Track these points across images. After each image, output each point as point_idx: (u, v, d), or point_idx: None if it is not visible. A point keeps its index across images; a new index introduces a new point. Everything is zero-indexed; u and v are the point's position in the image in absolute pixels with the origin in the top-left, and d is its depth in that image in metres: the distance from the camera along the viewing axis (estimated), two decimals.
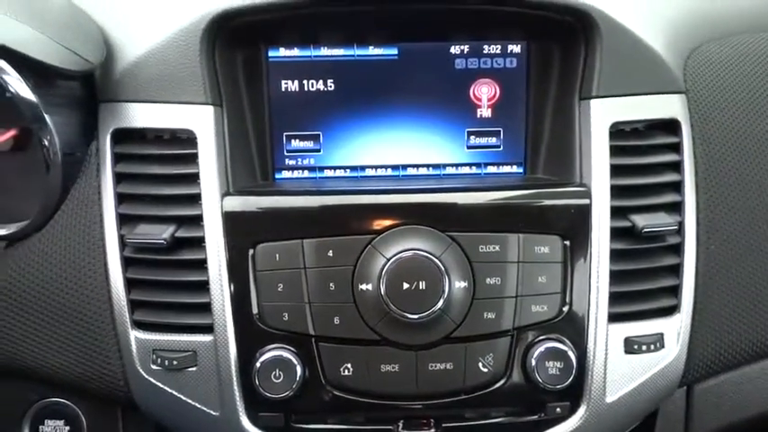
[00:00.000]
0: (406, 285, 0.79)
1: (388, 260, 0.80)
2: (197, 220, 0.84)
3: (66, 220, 0.86)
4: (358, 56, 0.94)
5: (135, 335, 0.84)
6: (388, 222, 0.82)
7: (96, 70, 0.87)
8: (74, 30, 0.85)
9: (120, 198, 0.86)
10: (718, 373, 0.92)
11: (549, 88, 0.94)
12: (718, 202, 0.88)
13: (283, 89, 0.94)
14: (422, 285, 0.79)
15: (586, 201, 0.84)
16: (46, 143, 0.82)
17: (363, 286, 0.81)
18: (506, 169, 0.97)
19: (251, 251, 0.82)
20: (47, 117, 0.81)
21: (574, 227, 0.83)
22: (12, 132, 0.88)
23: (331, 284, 0.81)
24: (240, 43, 0.89)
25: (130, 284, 0.85)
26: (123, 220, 0.85)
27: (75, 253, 0.85)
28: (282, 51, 0.93)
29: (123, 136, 0.88)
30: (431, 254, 0.80)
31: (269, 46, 0.93)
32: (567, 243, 0.84)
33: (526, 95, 0.95)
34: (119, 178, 0.87)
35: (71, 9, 0.88)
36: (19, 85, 0.78)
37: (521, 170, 0.97)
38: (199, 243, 0.83)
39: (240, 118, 0.90)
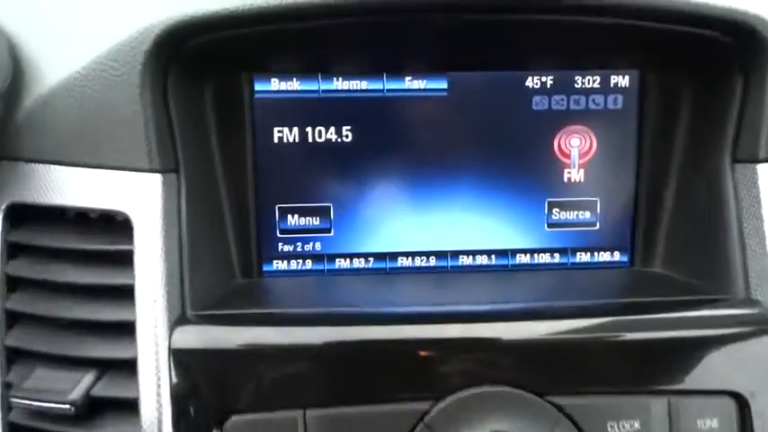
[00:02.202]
0: None
1: None
2: (128, 367, 0.51)
3: None
4: (388, 91, 0.62)
5: None
6: (450, 379, 0.50)
7: None
8: None
9: (10, 320, 0.54)
10: None
11: (676, 142, 0.62)
12: None
13: (276, 140, 0.62)
14: None
15: (767, 328, 0.52)
16: None
17: None
18: (604, 257, 0.66)
19: None
20: None
21: (755, 378, 0.51)
22: None
23: None
24: (208, 72, 0.58)
25: None
26: (11, 357, 0.53)
27: None
28: (275, 84, 0.62)
29: (22, 215, 0.56)
30: None
31: (254, 75, 0.61)
32: (749, 409, 0.51)
33: (637, 151, 0.64)
34: (10, 285, 0.54)
35: None
36: None
37: (625, 258, 0.66)
38: (130, 408, 0.50)
39: (208, 187, 0.58)
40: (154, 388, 0.49)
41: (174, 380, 0.49)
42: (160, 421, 0.49)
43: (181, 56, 0.53)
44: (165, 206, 0.52)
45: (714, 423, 0.50)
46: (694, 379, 0.51)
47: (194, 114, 0.57)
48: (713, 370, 0.51)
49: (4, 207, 0.55)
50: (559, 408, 0.50)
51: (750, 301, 0.54)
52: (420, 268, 0.65)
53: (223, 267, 0.59)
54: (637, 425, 0.49)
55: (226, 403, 0.49)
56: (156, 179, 0.53)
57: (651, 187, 0.64)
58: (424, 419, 0.49)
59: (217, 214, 0.60)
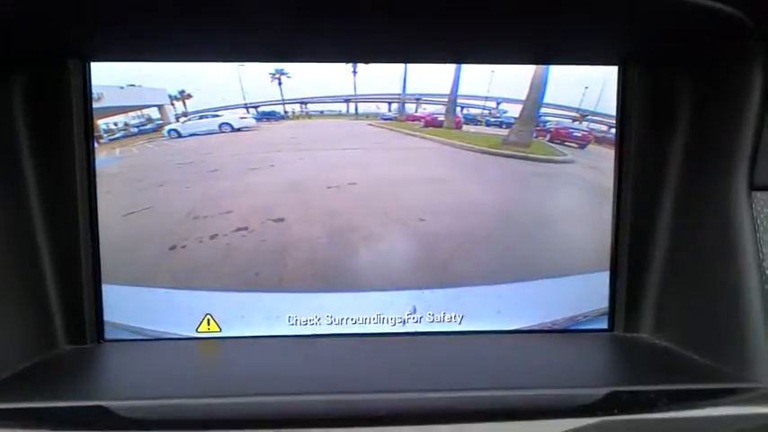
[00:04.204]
0: None
1: None
2: None
3: None
4: None
5: None
6: None
7: None
8: None
9: None
10: None
11: (670, 161, 0.46)
12: None
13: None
14: None
15: None
16: None
17: None
18: (588, 340, 0.48)
19: None
20: None
21: None
22: None
23: None
24: (20, 59, 0.41)
25: None
26: None
27: None
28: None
29: None
30: None
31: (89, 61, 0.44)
32: None
33: (617, 173, 0.48)
34: None
35: None
36: None
37: (603, 325, 0.48)
38: None
39: (14, 215, 0.41)
40: None
41: None
42: None
43: None
44: None
45: None
46: None
47: None
48: None
49: None
50: None
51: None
52: (331, 338, 0.47)
53: (33, 331, 0.41)
54: None
55: None
56: None
57: (636, 226, 0.47)
58: None
59: (28, 256, 0.42)
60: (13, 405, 0.36)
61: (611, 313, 0.49)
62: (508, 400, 0.37)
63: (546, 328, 0.49)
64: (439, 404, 0.37)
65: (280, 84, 0.46)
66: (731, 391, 0.37)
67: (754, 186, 0.42)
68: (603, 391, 0.38)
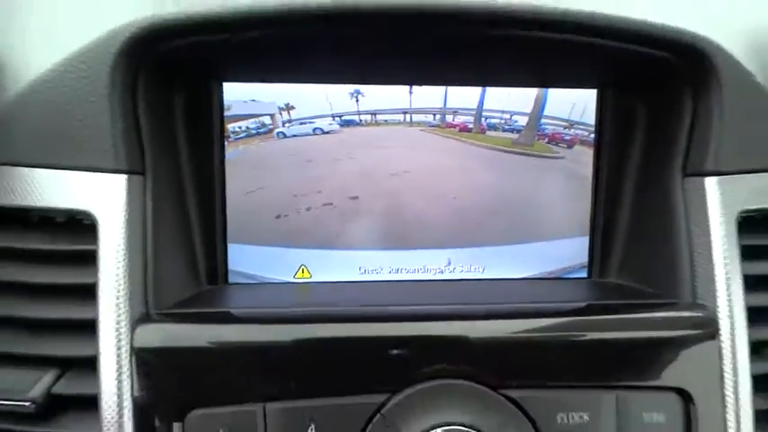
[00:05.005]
0: None
1: None
2: (90, 365, 0.50)
3: None
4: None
5: None
6: (407, 373, 0.50)
7: None
8: None
9: None
10: None
11: (632, 157, 0.65)
12: None
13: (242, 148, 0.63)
14: None
15: (712, 330, 0.54)
16: None
17: None
18: (568, 283, 0.67)
19: (178, 424, 0.49)
20: None
21: (699, 376, 0.53)
22: None
23: None
24: (178, 77, 0.59)
25: None
26: None
27: None
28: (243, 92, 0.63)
29: None
30: None
31: (223, 83, 0.62)
32: (693, 405, 0.53)
33: (595, 168, 0.67)
34: None
35: None
36: None
37: (583, 274, 0.68)
38: (91, 405, 0.50)
39: (174, 192, 0.59)
40: (115, 384, 0.48)
41: (136, 377, 0.48)
42: (121, 417, 0.48)
43: (150, 59, 0.54)
44: (130, 207, 0.52)
45: (661, 417, 0.51)
46: (642, 376, 0.52)
47: (163, 118, 0.58)
48: (660, 368, 0.53)
49: None
50: (512, 400, 0.50)
51: (696, 305, 0.56)
52: (390, 282, 0.66)
53: (188, 272, 0.59)
54: (586, 417, 0.50)
55: (187, 398, 0.49)
56: (122, 180, 0.53)
57: (608, 202, 0.67)
58: (381, 411, 0.49)
59: (183, 220, 0.60)
60: (186, 310, 0.54)
61: (590, 265, 0.68)
62: (514, 308, 0.56)
63: (543, 277, 0.68)
64: (468, 311, 0.56)
65: (357, 101, 0.64)
66: (666, 304, 0.57)
67: (686, 174, 0.61)
68: (583, 303, 0.58)
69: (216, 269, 0.63)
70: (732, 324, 0.55)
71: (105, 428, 0.48)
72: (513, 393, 0.51)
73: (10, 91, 0.55)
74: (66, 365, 0.51)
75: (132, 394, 0.48)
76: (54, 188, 0.53)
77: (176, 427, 0.48)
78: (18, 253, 0.53)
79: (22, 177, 0.55)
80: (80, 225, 0.53)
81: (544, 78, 0.65)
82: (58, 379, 0.50)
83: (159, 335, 0.49)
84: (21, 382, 0.49)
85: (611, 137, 0.66)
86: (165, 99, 0.58)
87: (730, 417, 0.53)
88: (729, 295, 0.55)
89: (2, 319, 0.52)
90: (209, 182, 0.62)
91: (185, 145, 0.60)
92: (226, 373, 0.49)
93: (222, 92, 0.62)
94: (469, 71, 0.63)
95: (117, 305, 0.50)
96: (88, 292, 0.51)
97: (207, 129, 0.62)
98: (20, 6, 0.58)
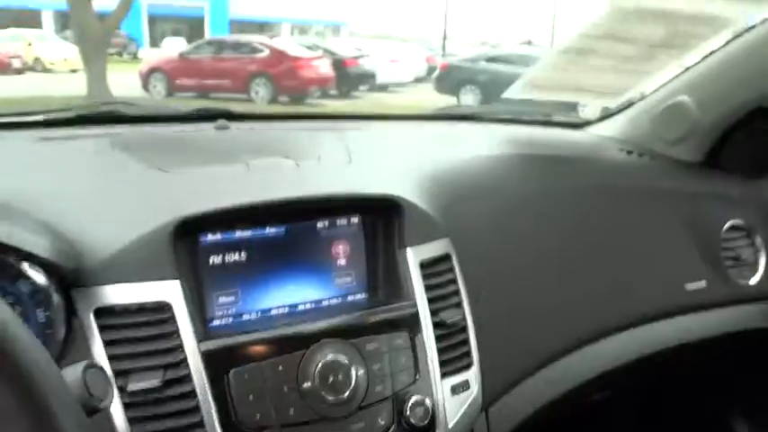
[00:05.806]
0: (331, 378, 1.26)
1: (317, 364, 1.26)
2: (181, 364, 1.18)
3: None
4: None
5: None
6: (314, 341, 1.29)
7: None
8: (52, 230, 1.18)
9: (111, 359, 1.16)
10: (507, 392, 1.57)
11: (378, 242, 1.53)
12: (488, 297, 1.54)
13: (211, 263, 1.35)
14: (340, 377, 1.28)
15: (415, 309, 1.43)
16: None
17: (306, 384, 1.25)
18: (360, 297, 1.51)
19: (226, 377, 1.20)
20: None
21: (412, 325, 1.41)
22: None
23: (284, 387, 1.23)
24: (186, 234, 1.30)
25: (131, 422, 1.13)
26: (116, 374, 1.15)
27: None
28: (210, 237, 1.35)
29: (105, 312, 1.18)
30: (342, 354, 1.29)
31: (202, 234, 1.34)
32: (410, 335, 1.40)
33: (366, 249, 1.53)
34: (106, 345, 1.16)
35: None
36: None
37: (365, 296, 1.52)
38: (184, 379, 1.17)
39: (189, 285, 1.29)
40: (197, 369, 1.17)
41: (205, 363, 1.18)
42: (203, 381, 1.17)
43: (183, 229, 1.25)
44: (183, 293, 1.23)
45: (401, 341, 1.39)
46: (392, 327, 1.40)
47: (184, 254, 1.28)
48: (398, 323, 1.40)
49: (93, 309, 1.17)
50: (352, 344, 1.32)
51: (410, 300, 1.45)
52: (286, 313, 1.42)
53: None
54: (378, 345, 1.35)
55: (228, 365, 1.20)
56: (176, 283, 1.22)
57: (373, 263, 1.53)
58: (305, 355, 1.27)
59: (193, 297, 1.29)
60: None
61: (368, 290, 1.53)
62: None
63: None
64: None
65: None
66: (400, 303, 1.45)
67: (400, 246, 1.50)
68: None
69: (204, 318, 1.34)
70: (422, 304, 1.45)
71: (197, 385, 1.18)
72: (354, 340, 1.33)
73: (91, 254, 1.21)
74: (167, 367, 1.18)
75: (205, 369, 1.19)
76: (142, 292, 1.21)
77: (225, 379, 1.20)
78: (129, 326, 1.19)
79: (122, 289, 1.21)
80: (156, 308, 1.21)
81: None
82: (165, 373, 1.17)
83: (212, 344, 1.21)
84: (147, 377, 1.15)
85: (370, 234, 1.54)
86: (182, 245, 1.29)
87: (426, 338, 1.42)
88: (420, 294, 1.45)
89: (130, 355, 1.17)
90: (197, 277, 1.33)
91: (188, 263, 1.31)
92: (243, 351, 1.23)
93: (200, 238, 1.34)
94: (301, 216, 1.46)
95: (189, 335, 1.19)
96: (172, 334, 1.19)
97: (195, 255, 1.33)
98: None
